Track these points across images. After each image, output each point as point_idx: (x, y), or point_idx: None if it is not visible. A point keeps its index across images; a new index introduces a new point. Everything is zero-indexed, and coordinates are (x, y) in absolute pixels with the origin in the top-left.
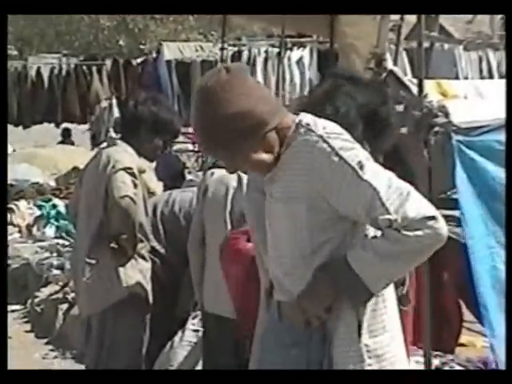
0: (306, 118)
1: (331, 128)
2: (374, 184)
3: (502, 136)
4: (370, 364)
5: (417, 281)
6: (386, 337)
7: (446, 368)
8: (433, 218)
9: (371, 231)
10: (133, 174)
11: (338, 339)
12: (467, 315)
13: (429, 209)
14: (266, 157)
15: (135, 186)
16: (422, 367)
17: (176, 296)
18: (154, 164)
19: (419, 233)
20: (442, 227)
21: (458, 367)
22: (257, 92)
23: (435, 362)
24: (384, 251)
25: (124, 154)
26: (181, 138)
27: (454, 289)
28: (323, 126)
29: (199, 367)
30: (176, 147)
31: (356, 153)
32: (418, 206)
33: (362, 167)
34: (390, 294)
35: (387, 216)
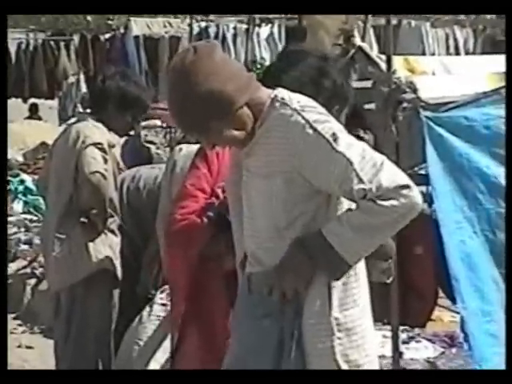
0: (282, 92)
1: (305, 101)
2: (348, 155)
3: (469, 112)
4: (340, 337)
5: None
6: (356, 310)
7: (413, 342)
8: (407, 186)
9: (345, 205)
10: (103, 150)
11: (308, 312)
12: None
13: (402, 178)
14: (237, 134)
15: (105, 161)
16: (389, 341)
17: (137, 272)
18: (123, 140)
19: (394, 202)
20: (416, 195)
21: (424, 341)
22: (225, 71)
23: (402, 336)
24: (360, 223)
25: (94, 129)
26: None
27: (428, 264)
28: (298, 100)
29: (167, 341)
30: (144, 123)
31: (330, 125)
32: (391, 175)
33: (336, 139)
34: (360, 268)
35: (362, 186)
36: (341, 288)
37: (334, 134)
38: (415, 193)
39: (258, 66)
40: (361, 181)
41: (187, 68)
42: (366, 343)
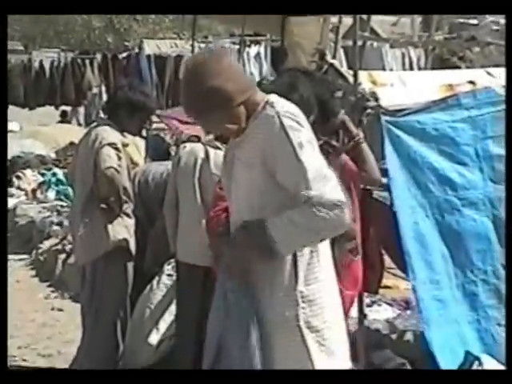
0: (274, 97)
1: (288, 108)
2: (306, 164)
3: (421, 117)
4: (304, 307)
5: None
6: (317, 285)
7: (375, 306)
8: (340, 207)
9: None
10: (117, 149)
11: (278, 287)
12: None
13: (341, 198)
14: (231, 126)
15: (119, 158)
16: (355, 305)
17: (144, 252)
18: (136, 138)
19: (325, 215)
20: (346, 218)
21: (384, 305)
22: (228, 73)
23: (366, 301)
24: (296, 222)
25: (109, 132)
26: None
27: (378, 241)
28: (282, 105)
29: (173, 306)
30: (155, 126)
31: (301, 134)
32: (333, 192)
33: (301, 148)
34: (323, 249)
35: (308, 192)
36: (305, 267)
37: (300, 143)
38: (346, 216)
39: (265, 82)
40: (308, 187)
41: (198, 68)
42: (325, 312)
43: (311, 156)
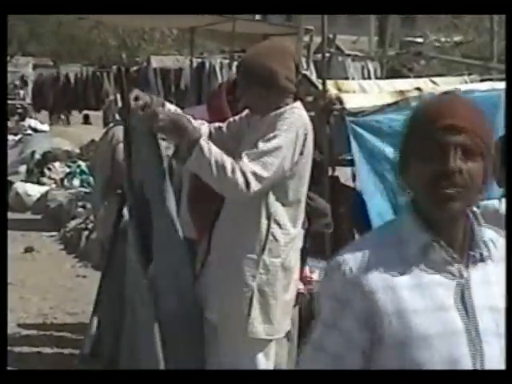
0: (299, 105)
1: (298, 112)
2: (271, 149)
3: (378, 117)
4: (261, 273)
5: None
6: (278, 260)
7: None
8: (248, 189)
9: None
10: None
11: (245, 257)
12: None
13: (253, 188)
14: (262, 105)
15: None
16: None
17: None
18: None
19: (236, 181)
20: (241, 196)
21: None
22: (287, 67)
23: None
24: (215, 162)
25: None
26: None
27: (349, 219)
28: (299, 113)
29: None
30: None
31: (290, 135)
32: (255, 182)
33: (274, 137)
34: (296, 234)
35: (246, 157)
36: (273, 243)
37: (278, 135)
38: (242, 194)
39: None
40: (251, 157)
41: (265, 49)
42: (277, 285)
43: (282, 150)
